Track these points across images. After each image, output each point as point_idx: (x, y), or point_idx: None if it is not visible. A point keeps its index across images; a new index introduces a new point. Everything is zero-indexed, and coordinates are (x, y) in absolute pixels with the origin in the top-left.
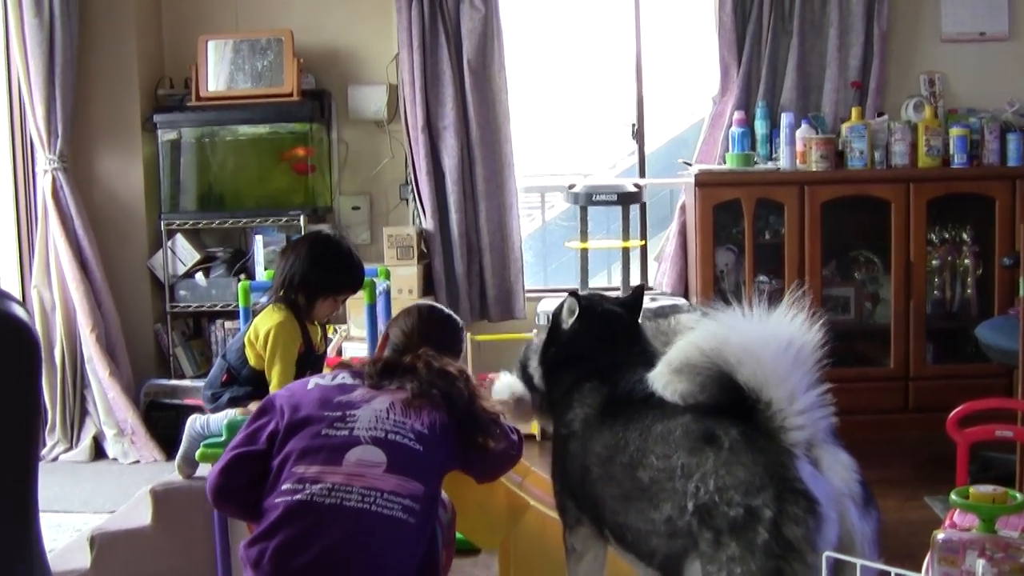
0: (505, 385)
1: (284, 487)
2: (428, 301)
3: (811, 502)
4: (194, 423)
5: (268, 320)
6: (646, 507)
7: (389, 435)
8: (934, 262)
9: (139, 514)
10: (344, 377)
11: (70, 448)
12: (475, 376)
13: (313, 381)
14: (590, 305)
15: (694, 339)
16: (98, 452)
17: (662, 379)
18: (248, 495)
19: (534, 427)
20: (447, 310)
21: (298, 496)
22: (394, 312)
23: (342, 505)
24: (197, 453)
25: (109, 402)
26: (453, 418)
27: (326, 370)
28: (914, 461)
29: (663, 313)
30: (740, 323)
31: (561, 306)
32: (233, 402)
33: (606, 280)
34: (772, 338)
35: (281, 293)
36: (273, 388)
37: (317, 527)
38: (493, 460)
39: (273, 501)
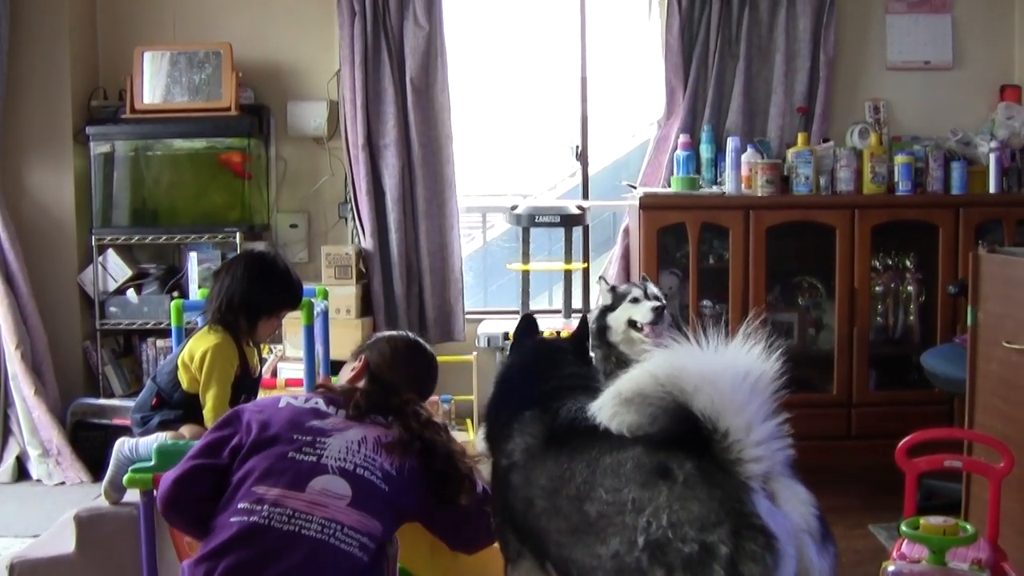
0: (481, 439)
1: (240, 506)
2: (412, 334)
3: (769, 538)
4: (122, 447)
5: (204, 342)
6: (592, 542)
7: (358, 469)
8: (877, 288)
9: (63, 541)
10: (318, 402)
11: None
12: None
13: (285, 400)
14: (517, 336)
15: (648, 367)
16: (21, 473)
17: (609, 410)
18: (201, 509)
19: None
20: (429, 348)
21: (254, 517)
22: (332, 333)
23: (300, 533)
24: (125, 478)
25: (34, 421)
26: (425, 467)
27: (262, 393)
28: (857, 488)
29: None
30: (696, 352)
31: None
32: (163, 425)
33: (547, 302)
34: (729, 366)
35: (219, 315)
36: (207, 412)
37: (272, 552)
38: (463, 521)
39: (228, 520)
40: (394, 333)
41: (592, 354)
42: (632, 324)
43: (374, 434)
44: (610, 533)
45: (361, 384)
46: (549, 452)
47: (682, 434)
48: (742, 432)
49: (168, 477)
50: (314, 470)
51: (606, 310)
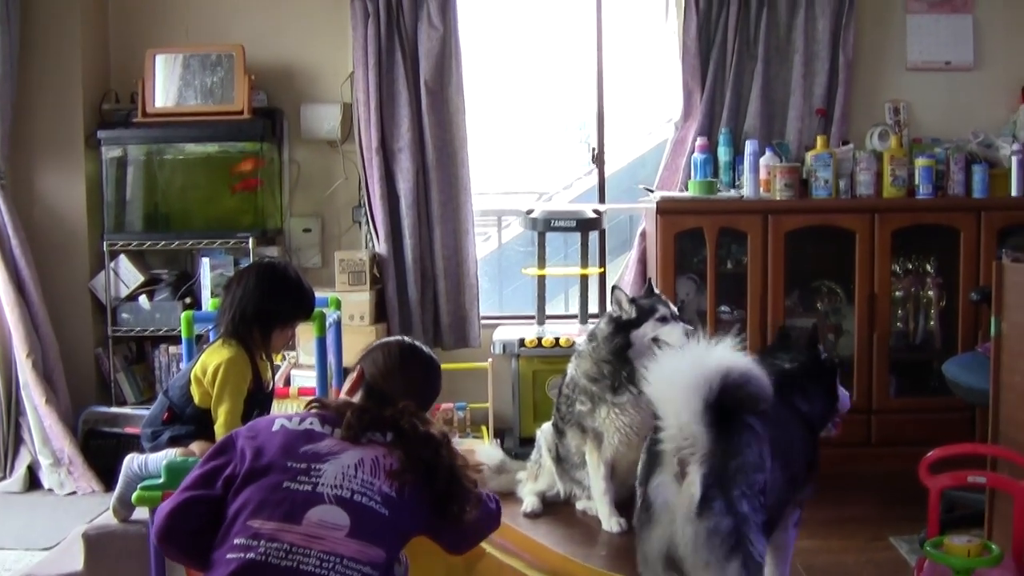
0: (487, 454)
1: (237, 541)
2: (407, 339)
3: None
4: (131, 463)
5: (217, 356)
6: None
7: (355, 495)
8: (898, 293)
9: (71, 558)
10: (312, 423)
11: (3, 478)
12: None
13: (279, 422)
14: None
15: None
16: (33, 482)
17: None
18: (198, 541)
19: None
20: (427, 350)
21: (251, 554)
22: (346, 340)
23: (299, 569)
24: (134, 496)
25: (45, 430)
26: (428, 486)
27: (285, 405)
28: (877, 498)
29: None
30: (666, 357)
31: None
32: (173, 442)
33: (563, 307)
34: (672, 368)
35: (231, 327)
36: (219, 427)
37: None
38: (467, 531)
39: (224, 556)
40: (389, 339)
41: (586, 364)
42: (655, 340)
43: (371, 455)
44: None
45: (357, 397)
46: None
47: None
48: (670, 417)
49: (162, 509)
50: (309, 500)
51: (629, 326)
